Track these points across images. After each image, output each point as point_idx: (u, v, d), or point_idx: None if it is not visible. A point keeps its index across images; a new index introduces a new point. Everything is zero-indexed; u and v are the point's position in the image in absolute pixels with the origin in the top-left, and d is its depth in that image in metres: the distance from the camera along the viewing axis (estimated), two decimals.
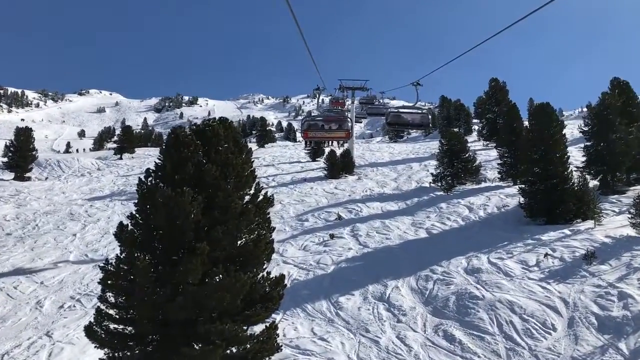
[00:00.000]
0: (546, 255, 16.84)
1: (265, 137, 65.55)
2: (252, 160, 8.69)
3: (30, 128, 44.14)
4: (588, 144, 25.46)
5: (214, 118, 8.57)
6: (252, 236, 8.25)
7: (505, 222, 22.08)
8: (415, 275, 16.92)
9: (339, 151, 38.80)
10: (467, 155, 29.85)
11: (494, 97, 45.07)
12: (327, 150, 41.14)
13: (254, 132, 68.55)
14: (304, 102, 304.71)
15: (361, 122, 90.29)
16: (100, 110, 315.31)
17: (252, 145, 67.94)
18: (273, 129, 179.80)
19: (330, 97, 38.18)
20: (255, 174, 8.65)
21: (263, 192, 8.78)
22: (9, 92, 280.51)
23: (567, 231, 19.18)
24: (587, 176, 22.83)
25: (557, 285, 14.93)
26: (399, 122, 20.31)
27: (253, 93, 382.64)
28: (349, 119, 21.40)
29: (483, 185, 29.45)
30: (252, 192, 8.57)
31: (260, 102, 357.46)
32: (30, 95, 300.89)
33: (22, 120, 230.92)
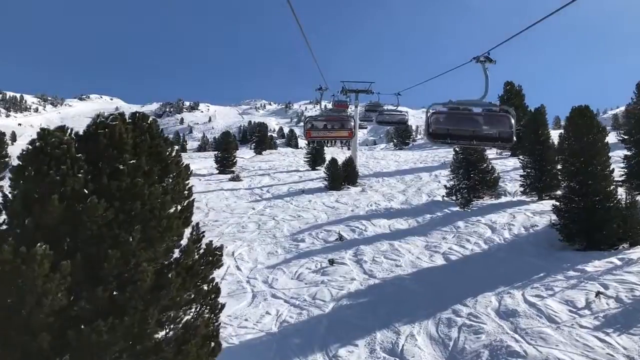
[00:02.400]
0: (598, 294, 13.40)
1: (263, 143, 62.19)
2: (189, 185, 5.33)
3: (4, 133, 40.94)
4: (628, 153, 22.07)
5: (123, 113, 5.24)
6: (178, 328, 4.83)
7: (536, 246, 18.68)
8: (434, 317, 13.53)
9: (340, 159, 35.49)
10: (484, 165, 26.48)
11: (508, 102, 41.68)
12: (327, 158, 37.89)
13: (254, 138, 65.33)
14: (306, 108, 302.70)
15: (366, 128, 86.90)
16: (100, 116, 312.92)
17: (249, 152, 64.58)
18: (274, 135, 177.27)
19: (332, 96, 34.44)
20: (191, 210, 5.26)
21: (205, 241, 5.35)
22: (7, 97, 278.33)
23: (615, 260, 15.78)
24: (632, 192, 19.43)
25: (619, 337, 11.51)
26: (457, 134, 10.92)
27: (255, 99, 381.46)
28: (351, 118, 20.25)
29: (503, 199, 26.05)
30: (182, 243, 5.19)
31: (262, 108, 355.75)
32: (29, 99, 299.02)
33: (20, 125, 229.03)
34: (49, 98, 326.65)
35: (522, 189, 25.99)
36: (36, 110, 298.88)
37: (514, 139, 10.96)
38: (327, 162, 34.86)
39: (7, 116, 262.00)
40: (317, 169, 41.45)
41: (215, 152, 46.94)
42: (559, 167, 20.05)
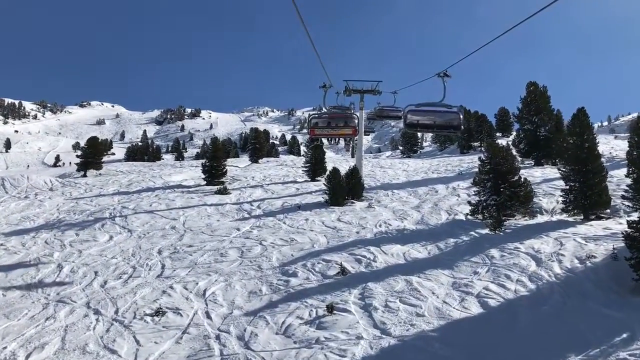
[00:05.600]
0: None
1: (260, 151, 57.72)
2: None
3: None
4: None
5: None
6: None
7: (600, 287, 14.13)
8: None
9: (343, 169, 31.06)
10: (516, 177, 21.95)
11: (532, 104, 37.11)
12: (329, 168, 33.46)
13: (249, 145, 60.90)
14: (309, 115, 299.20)
15: (374, 132, 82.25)
16: (100, 122, 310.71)
17: (244, 160, 60.34)
18: (276, 142, 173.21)
19: (337, 94, 29.39)
20: None
21: None
22: (5, 103, 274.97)
23: None
24: None
25: None
26: None
27: (257, 106, 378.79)
28: (355, 116, 19.73)
29: (540, 219, 21.56)
30: None
31: (265, 115, 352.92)
32: (29, 106, 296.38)
33: (16, 132, 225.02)
34: (49, 105, 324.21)
35: (562, 205, 21.49)
36: (35, 117, 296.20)
37: None
38: (327, 172, 30.40)
39: (5, 123, 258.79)
40: (317, 180, 36.94)
41: (203, 161, 42.55)
42: (629, 181, 15.50)
